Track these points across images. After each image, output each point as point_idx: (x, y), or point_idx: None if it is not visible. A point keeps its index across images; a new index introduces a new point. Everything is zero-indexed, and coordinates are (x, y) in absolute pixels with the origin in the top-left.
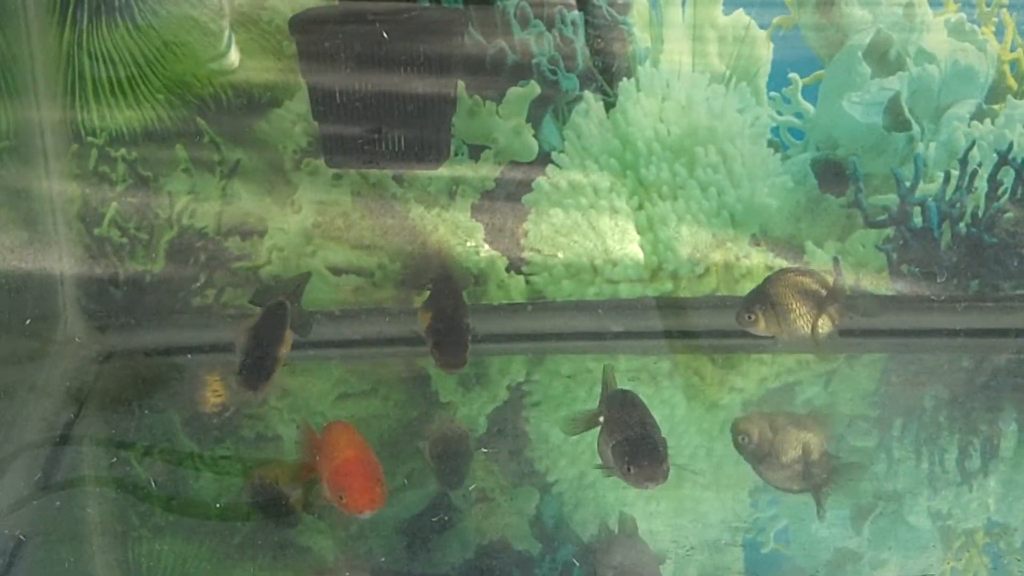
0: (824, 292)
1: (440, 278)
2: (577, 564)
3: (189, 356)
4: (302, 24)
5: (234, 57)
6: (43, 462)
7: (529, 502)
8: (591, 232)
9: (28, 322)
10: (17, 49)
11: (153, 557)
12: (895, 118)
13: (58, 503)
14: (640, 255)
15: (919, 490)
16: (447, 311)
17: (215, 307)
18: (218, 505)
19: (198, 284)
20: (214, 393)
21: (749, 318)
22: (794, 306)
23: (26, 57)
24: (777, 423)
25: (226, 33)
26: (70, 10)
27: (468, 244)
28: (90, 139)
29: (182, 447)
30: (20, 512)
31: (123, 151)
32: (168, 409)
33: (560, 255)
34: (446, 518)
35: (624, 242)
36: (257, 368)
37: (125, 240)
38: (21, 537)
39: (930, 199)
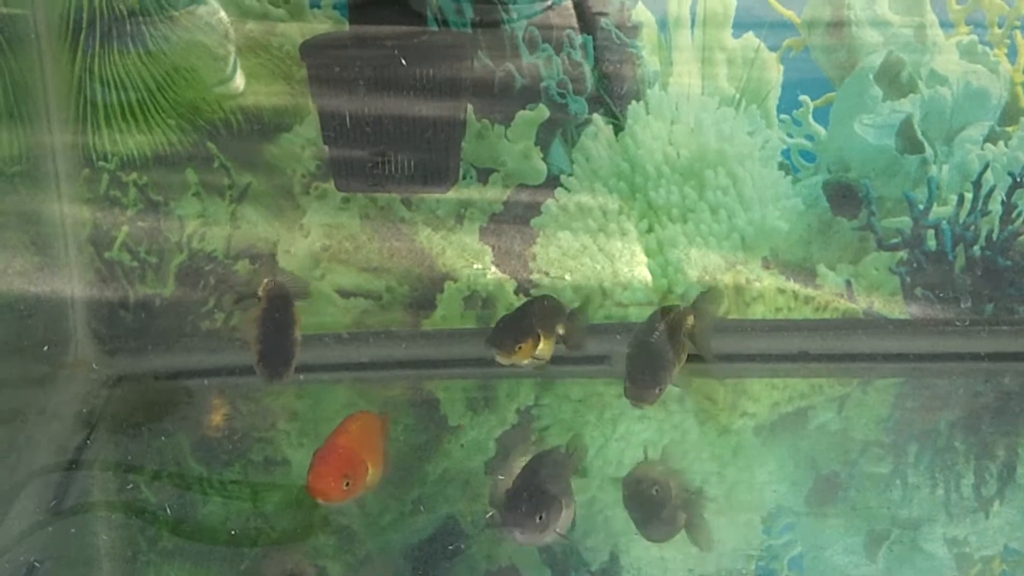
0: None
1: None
2: None
3: (205, 382)
4: (313, 49)
5: (239, 81)
6: (55, 487)
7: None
8: (600, 255)
9: (46, 348)
10: (30, 75)
11: None
12: (907, 140)
13: (73, 530)
14: (649, 278)
15: (935, 517)
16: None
17: (224, 330)
18: (232, 532)
19: (207, 307)
20: (223, 416)
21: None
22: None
23: (39, 83)
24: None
25: (232, 57)
26: (82, 37)
27: (475, 266)
28: (101, 164)
29: (191, 471)
30: (33, 537)
31: (134, 175)
32: (177, 433)
33: (568, 278)
34: (459, 545)
35: (633, 265)
36: (277, 355)
37: (135, 264)
38: (35, 564)
39: (944, 222)
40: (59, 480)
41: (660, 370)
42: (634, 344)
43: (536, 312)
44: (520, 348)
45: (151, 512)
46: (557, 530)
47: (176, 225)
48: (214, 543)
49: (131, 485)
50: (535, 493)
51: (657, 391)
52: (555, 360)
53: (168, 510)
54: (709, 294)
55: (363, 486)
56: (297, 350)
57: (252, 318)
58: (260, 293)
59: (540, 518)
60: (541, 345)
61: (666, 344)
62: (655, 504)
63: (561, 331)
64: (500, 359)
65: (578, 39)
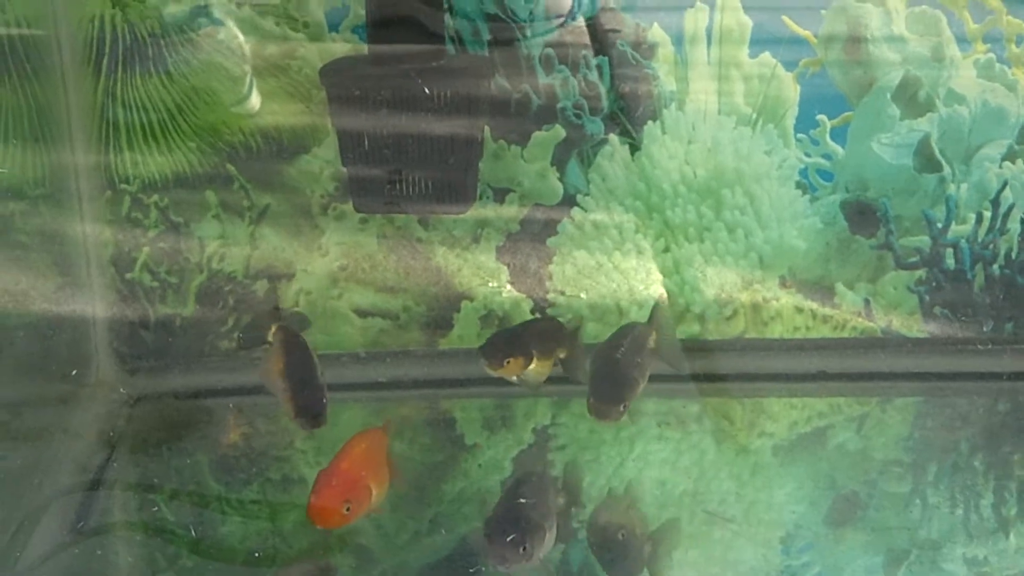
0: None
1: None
2: None
3: (230, 404)
4: (332, 72)
5: (255, 101)
6: (78, 506)
7: (554, 548)
8: (616, 274)
9: (74, 373)
10: (53, 99)
11: None
12: (926, 159)
13: (98, 551)
14: (666, 297)
15: (954, 537)
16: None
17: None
18: (256, 555)
19: (227, 327)
20: (239, 434)
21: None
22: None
23: (62, 106)
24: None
25: (248, 78)
26: (104, 61)
27: (490, 284)
28: (123, 186)
29: (210, 490)
30: (58, 558)
31: (155, 197)
32: (197, 452)
33: (584, 296)
34: (479, 568)
35: (649, 284)
36: (313, 405)
37: (156, 284)
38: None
39: (962, 240)
40: (82, 500)
41: (624, 387)
42: (597, 361)
43: (535, 332)
44: (508, 363)
45: (171, 531)
46: (540, 556)
47: (196, 246)
48: (232, 562)
49: (154, 507)
50: (518, 521)
51: (621, 408)
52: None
53: (192, 530)
54: (661, 307)
55: (365, 509)
56: (326, 393)
57: (274, 369)
58: (271, 339)
59: (524, 549)
60: (534, 365)
61: (631, 361)
62: (622, 549)
63: (562, 355)
64: (488, 370)
65: (594, 60)
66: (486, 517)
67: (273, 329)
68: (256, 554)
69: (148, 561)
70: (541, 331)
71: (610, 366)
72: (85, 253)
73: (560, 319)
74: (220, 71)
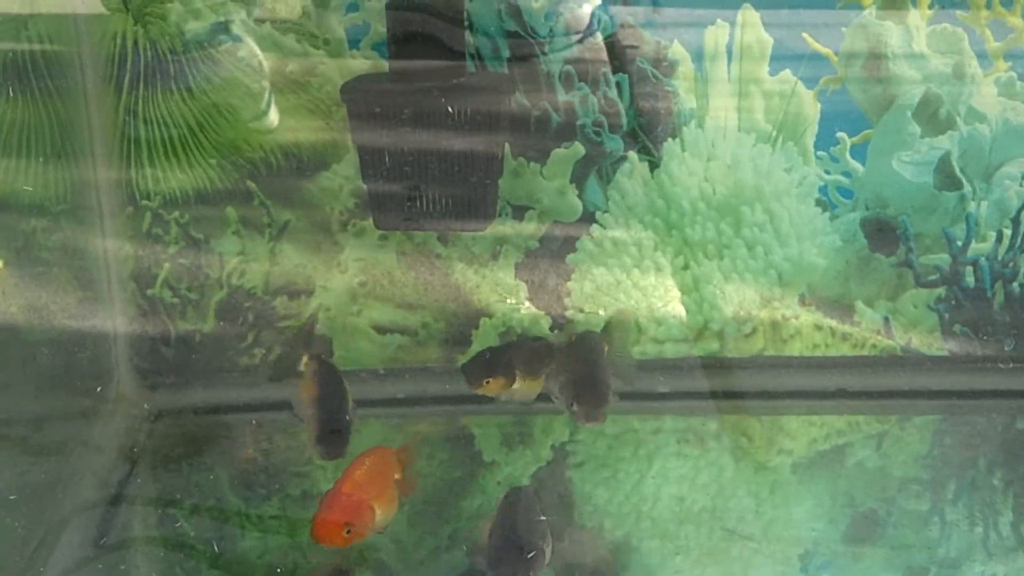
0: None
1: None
2: None
3: (252, 420)
4: (353, 89)
5: (274, 117)
6: (99, 521)
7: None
8: (635, 291)
9: (99, 390)
10: (75, 115)
11: None
12: (946, 177)
13: (121, 566)
14: (684, 314)
15: (973, 555)
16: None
17: (263, 366)
18: (278, 570)
19: (246, 343)
20: (260, 453)
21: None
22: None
23: (84, 123)
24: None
25: (266, 94)
26: (126, 77)
27: (508, 301)
28: (144, 202)
29: (230, 505)
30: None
31: (176, 213)
32: (216, 467)
33: (603, 313)
34: None
35: (668, 302)
36: (335, 438)
37: (176, 300)
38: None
39: (982, 258)
40: (103, 514)
41: (607, 389)
42: (573, 368)
43: (522, 351)
44: (487, 383)
45: (192, 546)
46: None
47: (216, 262)
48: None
49: (176, 522)
50: (521, 549)
51: (605, 408)
52: None
53: (214, 545)
54: (617, 320)
55: (368, 530)
56: (350, 427)
57: (307, 398)
58: (303, 368)
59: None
60: (518, 384)
61: (606, 365)
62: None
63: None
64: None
65: (614, 77)
66: (487, 543)
67: (305, 359)
68: (278, 570)
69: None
70: (528, 351)
71: (591, 371)
72: (106, 269)
73: (553, 337)
74: (239, 87)
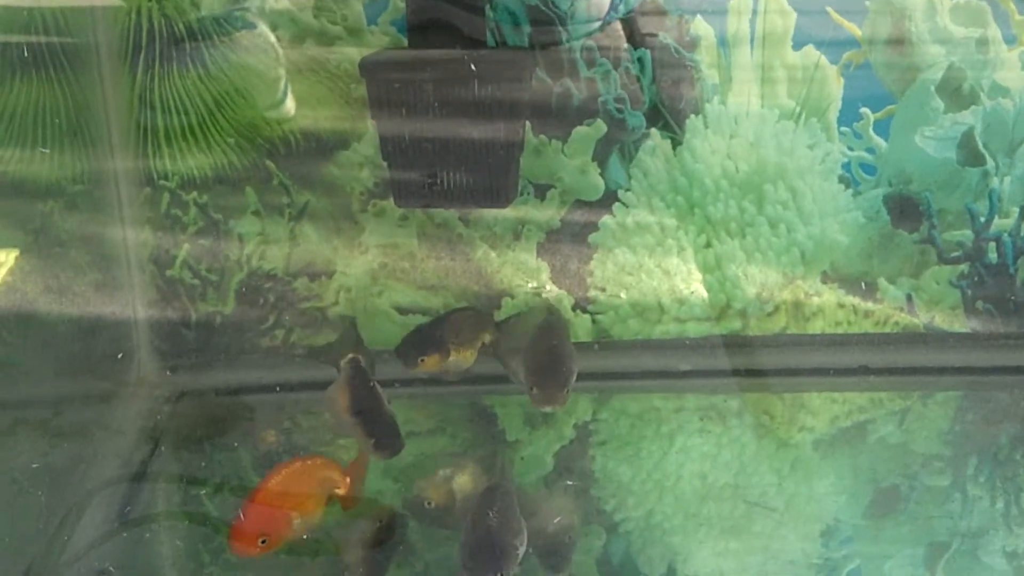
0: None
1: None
2: None
3: (285, 393)
4: (372, 66)
5: (290, 105)
6: (121, 499)
7: (596, 541)
8: (658, 271)
9: (120, 356)
10: (91, 96)
11: None
12: (969, 153)
13: (147, 533)
14: (706, 294)
15: (994, 530)
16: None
17: (283, 347)
18: (304, 536)
19: (267, 325)
20: (274, 437)
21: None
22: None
23: (100, 103)
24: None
25: (283, 82)
26: (142, 57)
27: (530, 285)
28: (162, 183)
29: (252, 485)
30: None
31: (194, 194)
32: (239, 447)
33: (625, 294)
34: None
35: (691, 281)
36: (390, 436)
37: (196, 282)
38: (110, 568)
39: (1005, 234)
40: (126, 492)
41: (567, 372)
42: (532, 351)
43: (451, 325)
44: (422, 362)
45: (214, 523)
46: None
47: (236, 243)
48: (275, 554)
49: (194, 497)
50: (492, 548)
51: (565, 392)
52: (608, 375)
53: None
54: (534, 314)
55: (287, 536)
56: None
57: (342, 407)
58: (342, 365)
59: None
60: (454, 356)
61: (569, 347)
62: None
63: (487, 341)
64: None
65: (636, 53)
66: (460, 542)
67: (346, 359)
68: (304, 536)
69: (189, 552)
70: (457, 322)
71: (549, 354)
72: (125, 250)
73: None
74: (255, 72)
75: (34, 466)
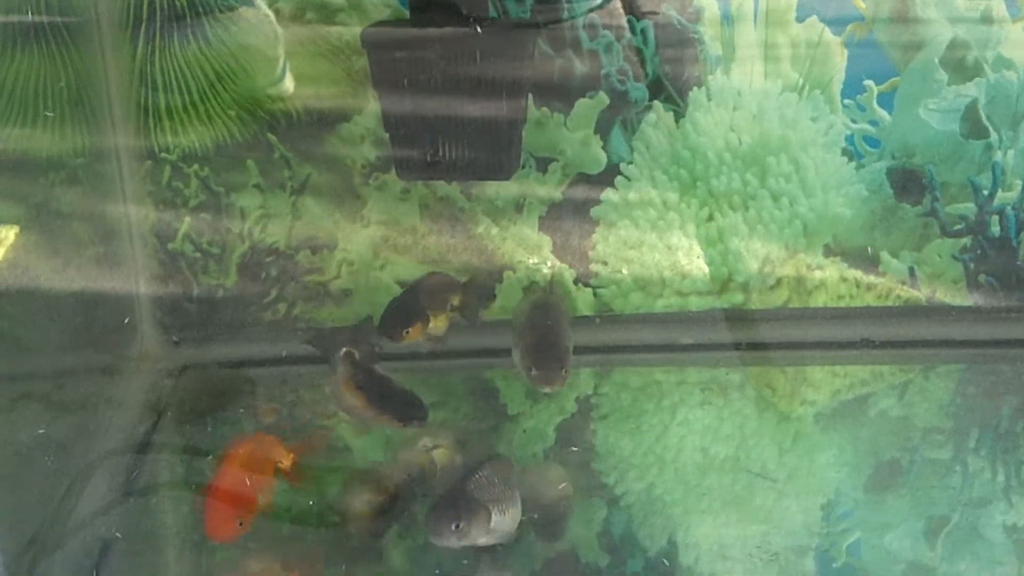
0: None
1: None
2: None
3: (288, 366)
4: (374, 37)
5: (289, 84)
6: (125, 471)
7: (597, 514)
8: (660, 244)
9: (127, 320)
10: (92, 67)
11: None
12: (973, 125)
13: (151, 503)
14: (707, 269)
15: (995, 503)
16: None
17: (286, 321)
18: (311, 503)
19: (269, 299)
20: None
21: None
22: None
23: (101, 75)
24: None
25: (281, 60)
26: (143, 28)
27: (531, 262)
28: (164, 155)
29: None
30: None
31: (195, 167)
32: (241, 420)
33: (628, 268)
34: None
35: (693, 254)
36: (411, 409)
37: (198, 255)
38: (117, 535)
39: (1008, 208)
40: (129, 464)
41: (565, 353)
42: (530, 331)
43: (424, 291)
44: (407, 333)
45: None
46: (491, 535)
47: (237, 216)
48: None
49: (198, 469)
50: (458, 500)
51: (563, 372)
52: (609, 349)
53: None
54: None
55: (254, 514)
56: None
57: (359, 406)
58: (340, 359)
59: (457, 527)
60: (432, 323)
61: (567, 326)
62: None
63: (456, 303)
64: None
65: (639, 25)
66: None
67: (342, 351)
68: (310, 502)
69: (191, 523)
70: (429, 288)
71: (546, 334)
72: (127, 224)
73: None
74: (254, 49)
75: (40, 431)
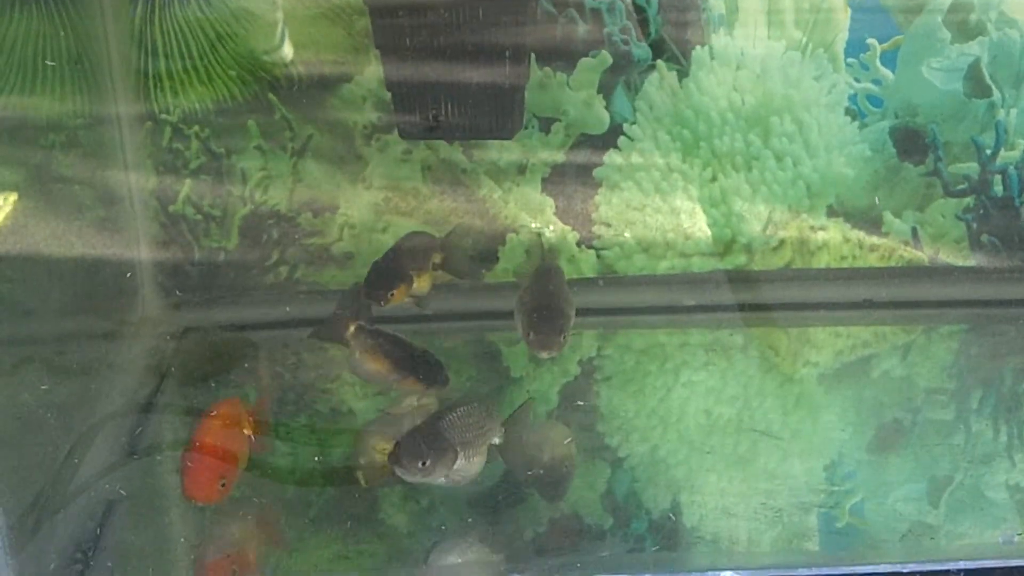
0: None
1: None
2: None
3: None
4: None
5: (288, 51)
6: (128, 433)
7: (600, 476)
8: (663, 205)
9: (128, 275)
10: (91, 27)
11: None
12: (976, 84)
13: (158, 460)
14: (712, 229)
15: (997, 463)
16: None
17: (288, 284)
18: (317, 459)
19: (271, 261)
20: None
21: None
22: None
23: (100, 35)
24: None
25: (279, 26)
26: None
27: (533, 225)
28: (164, 116)
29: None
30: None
31: (196, 128)
32: (244, 384)
33: (628, 235)
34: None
35: (696, 215)
36: (432, 371)
37: (199, 217)
38: (122, 492)
39: (1011, 167)
40: (132, 426)
41: (563, 319)
42: (529, 296)
43: (404, 252)
44: (392, 296)
45: None
46: (452, 476)
47: (239, 179)
48: (283, 486)
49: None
50: (425, 436)
51: (562, 339)
52: (613, 311)
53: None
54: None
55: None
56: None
57: (384, 372)
58: (351, 337)
59: (423, 464)
60: (416, 283)
61: (566, 291)
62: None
63: (438, 261)
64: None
65: None
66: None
67: (352, 329)
68: (316, 458)
69: None
70: (410, 249)
71: (546, 300)
72: (127, 186)
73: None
74: (252, 16)
75: (43, 387)
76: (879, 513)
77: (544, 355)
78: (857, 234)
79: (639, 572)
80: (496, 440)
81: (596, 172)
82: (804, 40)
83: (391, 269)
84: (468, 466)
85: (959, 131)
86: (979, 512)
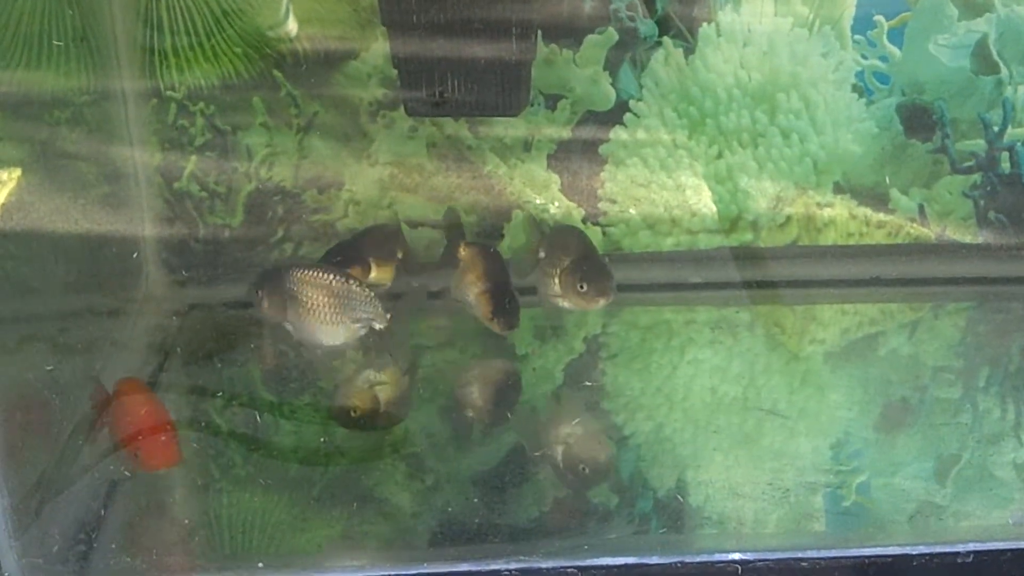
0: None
1: None
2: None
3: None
4: None
5: (292, 26)
6: None
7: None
8: (669, 182)
9: (135, 255)
10: (98, 4)
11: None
12: (983, 61)
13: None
14: (718, 205)
15: (1005, 441)
16: None
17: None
18: (323, 440)
19: (276, 238)
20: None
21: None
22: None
23: (106, 12)
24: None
25: (285, 2)
26: None
27: (538, 200)
28: (169, 93)
29: (262, 399)
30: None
31: (201, 104)
32: (248, 362)
33: (637, 206)
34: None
35: (702, 192)
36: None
37: (204, 194)
38: (127, 473)
39: (1019, 144)
40: None
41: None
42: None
43: (369, 240)
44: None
45: (224, 435)
46: None
47: (244, 155)
48: (286, 464)
49: (203, 410)
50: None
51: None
52: (618, 288)
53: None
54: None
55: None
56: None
57: (471, 281)
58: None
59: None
60: (375, 273)
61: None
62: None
63: (402, 255)
64: None
65: None
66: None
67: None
68: (321, 439)
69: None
70: (376, 238)
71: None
72: (132, 163)
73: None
74: None
75: (48, 368)
76: (886, 492)
77: (506, 333)
78: (864, 211)
79: (645, 555)
80: None
81: (602, 149)
82: (811, 17)
83: (349, 252)
84: None
85: (966, 108)
86: (987, 492)
